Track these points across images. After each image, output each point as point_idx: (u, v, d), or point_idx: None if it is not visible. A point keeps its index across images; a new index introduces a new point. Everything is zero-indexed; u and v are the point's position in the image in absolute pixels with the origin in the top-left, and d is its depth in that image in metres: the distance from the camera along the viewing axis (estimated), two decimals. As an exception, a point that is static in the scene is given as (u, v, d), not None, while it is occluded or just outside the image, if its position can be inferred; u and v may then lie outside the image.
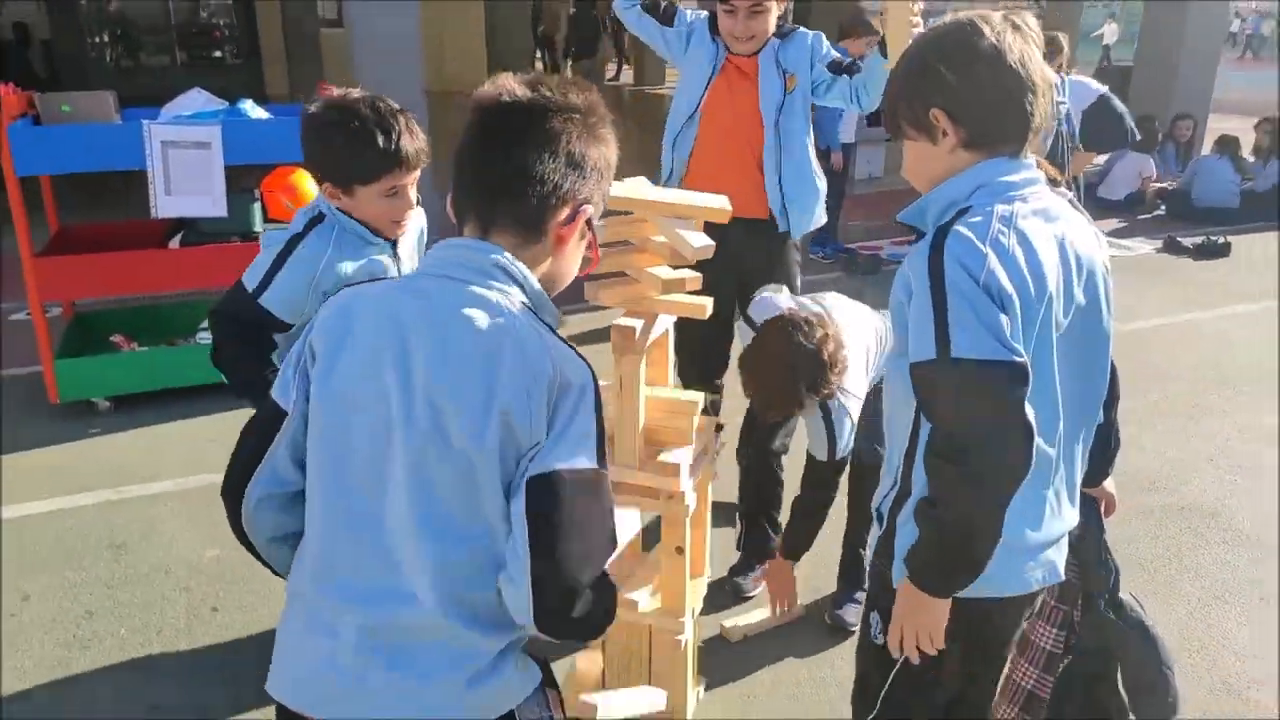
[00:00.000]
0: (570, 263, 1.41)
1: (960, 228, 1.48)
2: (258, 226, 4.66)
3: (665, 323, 2.35)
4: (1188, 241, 7.63)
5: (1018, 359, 1.42)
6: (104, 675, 2.82)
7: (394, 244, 2.23)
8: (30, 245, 4.21)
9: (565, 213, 1.35)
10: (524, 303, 1.32)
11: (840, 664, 2.87)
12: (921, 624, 1.60)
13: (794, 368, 2.41)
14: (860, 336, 2.66)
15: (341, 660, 1.28)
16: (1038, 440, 1.49)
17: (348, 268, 2.15)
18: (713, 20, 3.27)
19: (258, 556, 1.47)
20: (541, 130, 1.31)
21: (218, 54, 21.74)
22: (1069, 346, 1.57)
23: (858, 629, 2.94)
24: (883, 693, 1.77)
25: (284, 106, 5.09)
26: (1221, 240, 7.54)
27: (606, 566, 1.30)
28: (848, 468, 2.77)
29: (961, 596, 1.60)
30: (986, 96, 1.51)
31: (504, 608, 1.29)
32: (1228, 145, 8.90)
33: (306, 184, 4.78)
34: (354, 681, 1.27)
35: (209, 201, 4.29)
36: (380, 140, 2.02)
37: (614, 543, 1.31)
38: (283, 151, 4.49)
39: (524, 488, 1.24)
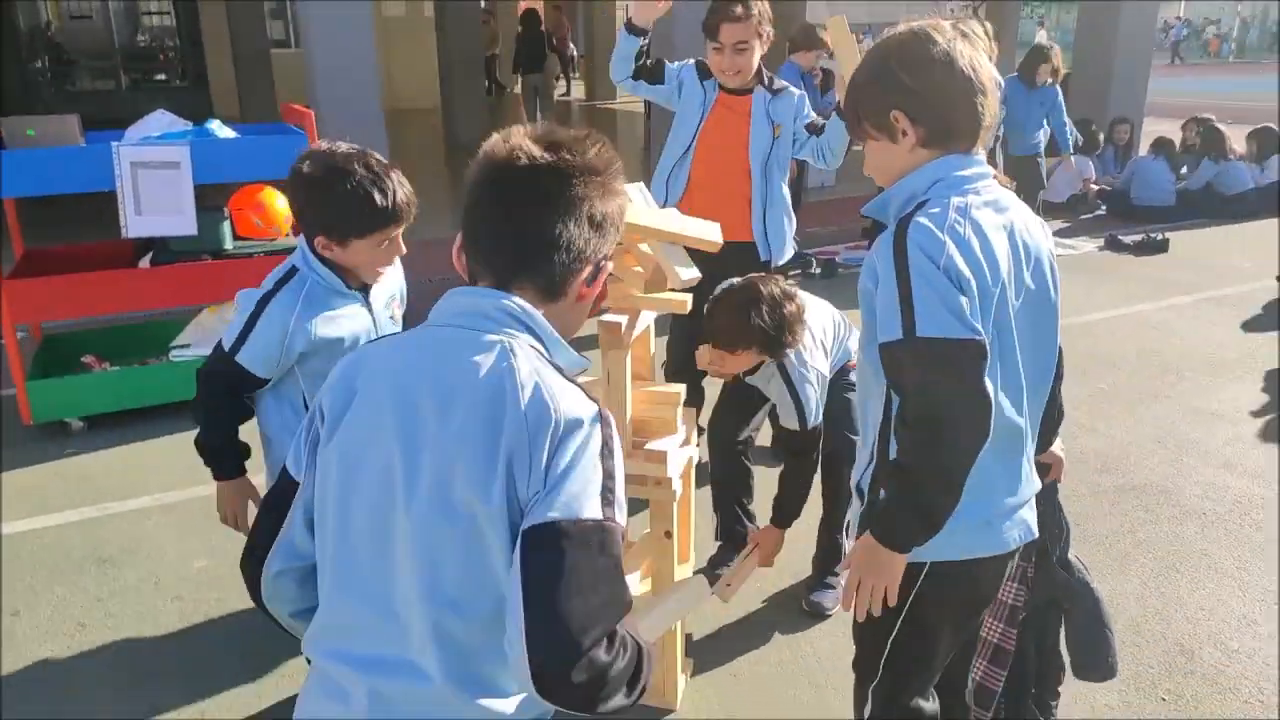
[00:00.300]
0: (584, 312, 1.40)
1: (920, 218, 1.62)
2: (228, 244, 4.71)
3: (647, 319, 2.47)
4: (1128, 239, 7.94)
5: (977, 337, 1.55)
6: (103, 679, 2.86)
7: (365, 293, 2.30)
8: None
9: (587, 273, 1.33)
10: (533, 346, 1.28)
11: (820, 643, 3.00)
12: (879, 580, 1.71)
13: (754, 302, 2.59)
14: (819, 318, 2.84)
15: None
16: (1009, 411, 1.65)
17: (318, 322, 2.21)
18: (700, 65, 3.66)
19: (283, 628, 1.45)
20: (565, 197, 1.27)
21: (161, 77, 21.52)
22: (1023, 325, 1.70)
23: (834, 611, 3.12)
24: (884, 659, 1.89)
25: (248, 126, 5.14)
26: (1160, 237, 7.85)
27: (629, 631, 1.22)
28: (821, 459, 2.93)
29: (953, 560, 1.74)
30: (941, 99, 1.66)
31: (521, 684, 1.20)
32: (1163, 147, 9.27)
33: (275, 202, 4.86)
34: None
35: (179, 220, 4.33)
36: (377, 198, 2.10)
37: (624, 603, 1.21)
38: (250, 170, 4.56)
39: (521, 541, 1.17)
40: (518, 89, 17.01)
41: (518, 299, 1.28)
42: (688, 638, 2.88)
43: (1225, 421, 4.57)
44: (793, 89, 3.72)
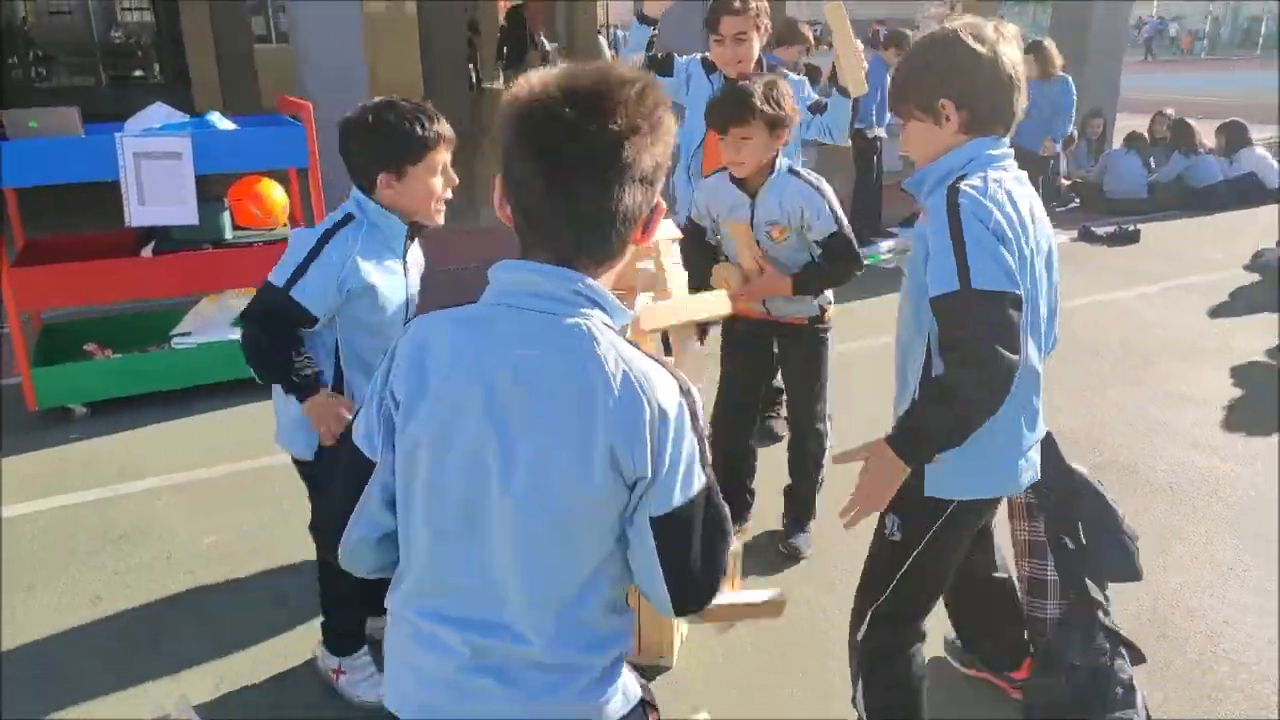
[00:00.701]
0: (633, 251, 1.41)
1: (966, 188, 1.88)
2: (228, 234, 4.81)
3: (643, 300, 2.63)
4: (1101, 231, 8.15)
5: (1018, 291, 1.83)
6: (121, 644, 2.98)
7: (405, 255, 2.46)
8: (5, 257, 4.32)
9: (643, 222, 1.33)
10: (605, 323, 1.31)
11: (797, 584, 3.21)
12: (886, 487, 1.92)
13: (748, 83, 3.05)
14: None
15: (454, 677, 1.32)
16: (1033, 358, 1.92)
17: (371, 265, 2.35)
18: (704, 60, 3.87)
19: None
20: (617, 166, 1.24)
21: (139, 73, 21.40)
22: (1039, 282, 1.98)
23: (810, 554, 3.35)
24: (894, 582, 2.13)
25: (246, 119, 5.24)
26: (1132, 228, 8.08)
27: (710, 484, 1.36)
28: (790, 433, 3.30)
29: (969, 498, 2.01)
30: (985, 91, 1.93)
31: (607, 627, 1.35)
32: (1135, 141, 9.50)
33: (273, 192, 4.96)
34: (468, 697, 1.32)
35: (182, 210, 4.44)
36: (425, 123, 2.30)
37: (732, 528, 1.40)
38: (250, 161, 4.66)
39: (650, 527, 1.28)
40: (499, 84, 17.11)
41: (588, 281, 1.29)
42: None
43: (1193, 403, 4.76)
44: (790, 74, 3.92)
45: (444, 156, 2.37)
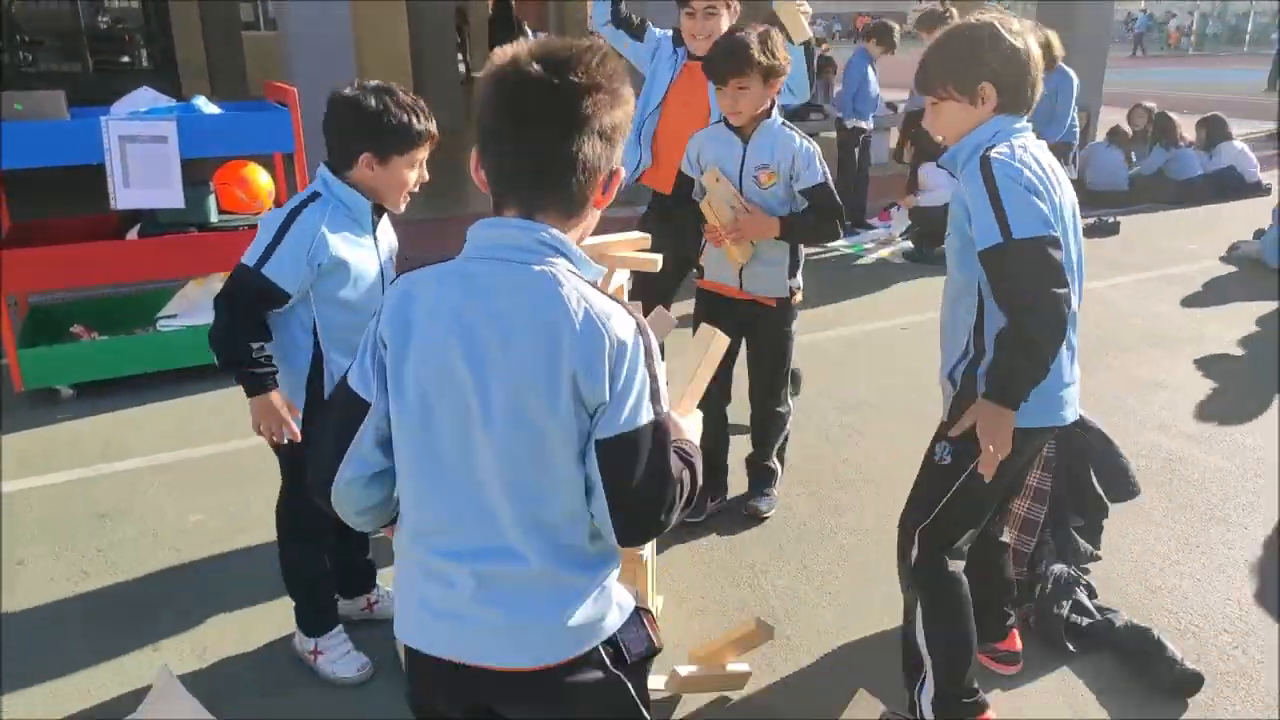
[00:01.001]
0: (598, 215, 1.52)
1: (994, 154, 2.14)
2: (213, 218, 4.85)
3: (619, 279, 2.69)
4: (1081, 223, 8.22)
5: (1054, 232, 2.07)
6: (106, 617, 3.05)
7: (374, 230, 2.51)
8: (-9, 239, 4.36)
9: (601, 181, 1.45)
10: (571, 270, 1.42)
11: (754, 547, 3.37)
12: (1001, 435, 2.15)
13: (742, 33, 3.17)
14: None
15: (462, 607, 1.43)
16: (1073, 301, 2.14)
17: (338, 240, 2.40)
18: (675, 34, 3.94)
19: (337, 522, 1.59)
20: (576, 120, 1.38)
21: (126, 59, 21.27)
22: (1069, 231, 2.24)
23: (770, 515, 3.56)
24: (940, 503, 2.36)
25: (232, 104, 5.27)
26: (1111, 220, 8.18)
27: (681, 449, 1.49)
28: (752, 404, 3.47)
29: (1031, 427, 2.24)
30: (1020, 77, 2.21)
31: (596, 550, 1.46)
32: (1117, 135, 9.60)
33: (258, 177, 5.00)
34: (477, 625, 1.43)
35: (167, 194, 4.47)
36: (419, 119, 2.38)
37: (684, 463, 1.46)
38: (235, 145, 4.70)
39: (595, 449, 1.39)
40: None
41: (552, 231, 1.41)
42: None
43: (1163, 389, 4.86)
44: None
45: (425, 154, 2.46)
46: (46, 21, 17.35)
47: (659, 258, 2.62)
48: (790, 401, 3.65)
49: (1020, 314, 2.07)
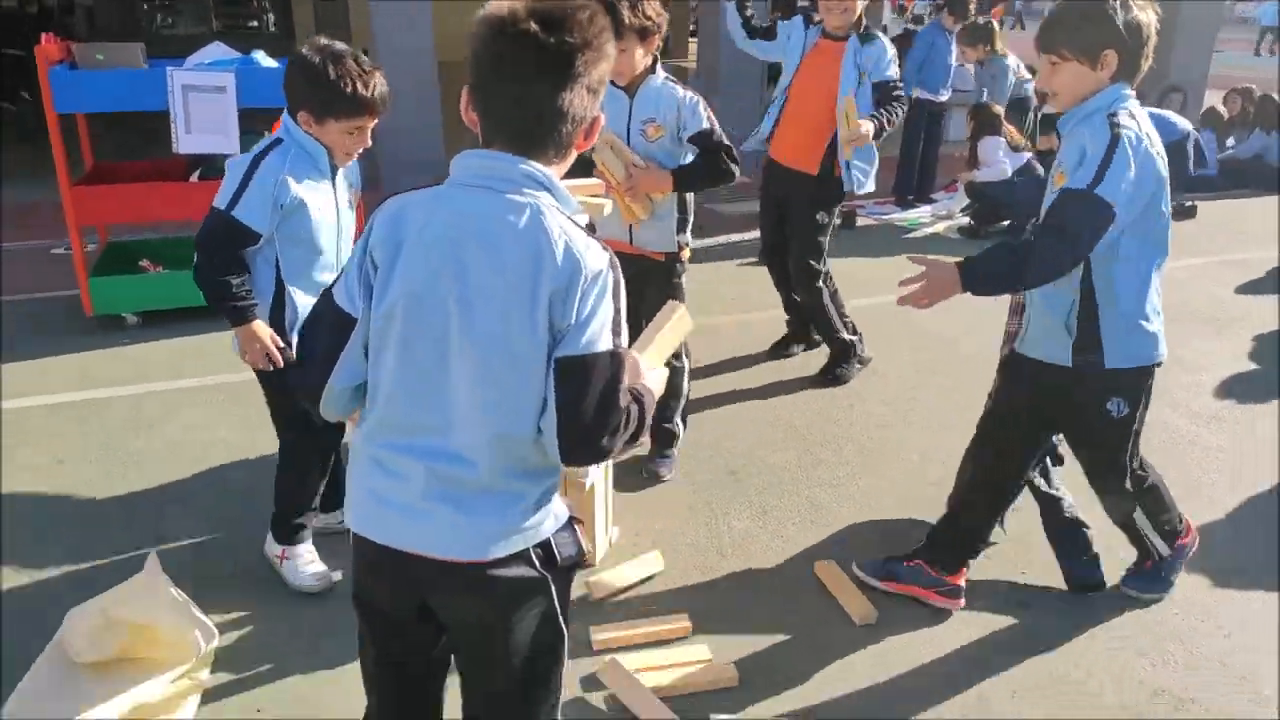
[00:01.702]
0: (574, 155, 1.63)
1: (1124, 120, 2.40)
2: (269, 164, 5.19)
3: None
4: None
5: (1117, 210, 2.32)
6: (130, 511, 3.40)
7: (333, 176, 2.71)
8: (68, 176, 4.79)
9: (584, 128, 1.57)
10: (553, 205, 1.53)
11: (719, 490, 3.42)
12: (938, 293, 2.44)
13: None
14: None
15: (410, 500, 1.55)
16: (1160, 258, 2.55)
17: (298, 184, 2.59)
18: (806, 16, 4.29)
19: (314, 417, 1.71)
20: (568, 75, 1.48)
21: (254, 24, 22.30)
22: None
23: (670, 478, 3.61)
24: (1125, 458, 2.76)
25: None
26: (1188, 204, 7.87)
27: (636, 387, 1.62)
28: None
29: (1135, 366, 2.61)
30: (1140, 48, 2.43)
31: (541, 463, 1.57)
32: (1211, 117, 9.19)
33: (314, 128, 5.32)
34: (422, 518, 1.55)
35: (224, 140, 4.82)
36: (359, 88, 2.50)
37: (634, 400, 1.59)
38: (291, 97, 5.02)
39: (554, 366, 1.49)
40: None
41: (537, 164, 1.52)
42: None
43: (1188, 369, 4.75)
44: (884, 40, 4.22)
45: (367, 123, 2.59)
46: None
47: (606, 202, 2.77)
48: (686, 360, 3.67)
49: (1046, 235, 2.36)
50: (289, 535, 3.00)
